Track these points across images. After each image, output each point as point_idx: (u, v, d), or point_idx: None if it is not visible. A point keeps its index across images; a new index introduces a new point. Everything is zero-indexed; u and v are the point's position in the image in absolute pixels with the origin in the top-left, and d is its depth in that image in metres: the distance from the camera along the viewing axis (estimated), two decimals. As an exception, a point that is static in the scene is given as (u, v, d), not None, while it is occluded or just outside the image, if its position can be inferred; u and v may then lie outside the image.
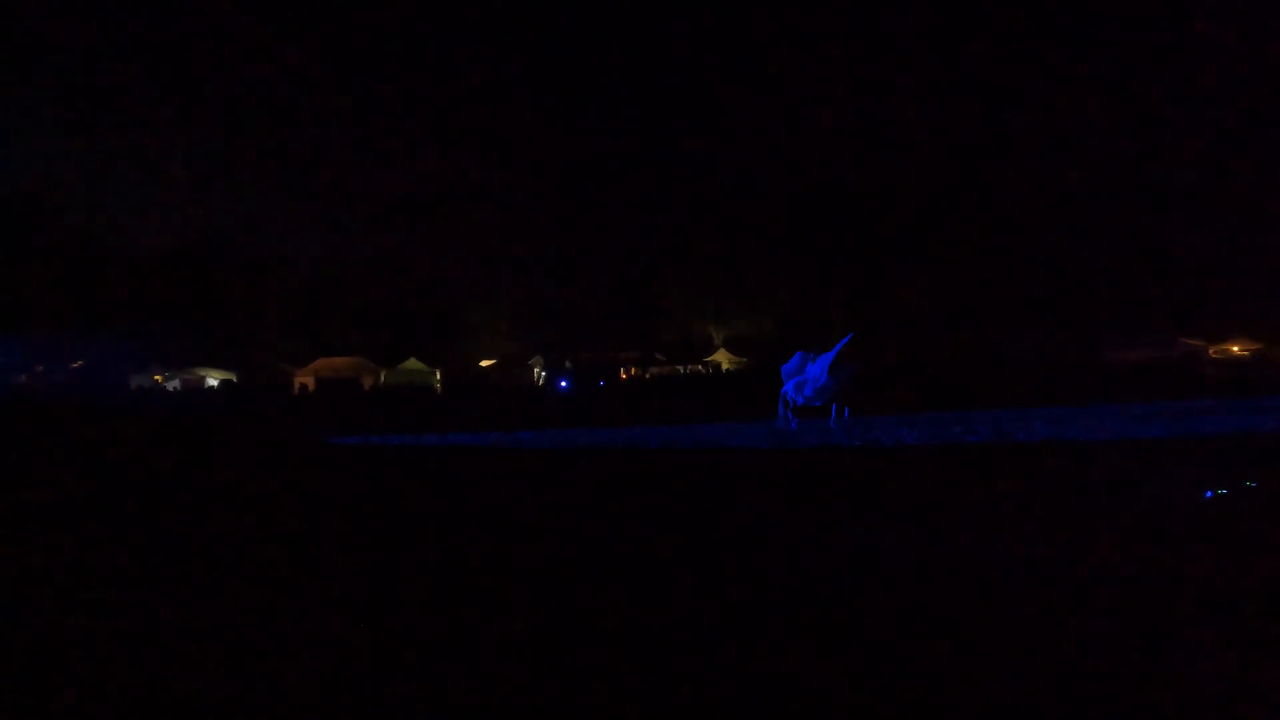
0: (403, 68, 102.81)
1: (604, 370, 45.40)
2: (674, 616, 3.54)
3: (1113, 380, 23.91)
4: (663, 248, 70.44)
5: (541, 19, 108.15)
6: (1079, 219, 56.73)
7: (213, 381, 49.61)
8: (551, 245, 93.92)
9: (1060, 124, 71.45)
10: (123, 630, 3.58)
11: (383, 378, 48.90)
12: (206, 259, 61.53)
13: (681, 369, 54.37)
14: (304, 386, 47.56)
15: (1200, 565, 4.03)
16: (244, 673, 3.05)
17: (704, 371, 53.89)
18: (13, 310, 49.06)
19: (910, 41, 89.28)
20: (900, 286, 55.69)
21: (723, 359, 57.04)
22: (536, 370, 52.68)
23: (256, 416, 22.02)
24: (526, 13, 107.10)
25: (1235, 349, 43.05)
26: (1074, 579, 3.89)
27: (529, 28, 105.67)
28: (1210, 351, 42.88)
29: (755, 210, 64.38)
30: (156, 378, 49.20)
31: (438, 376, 50.29)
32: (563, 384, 38.14)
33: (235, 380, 48.88)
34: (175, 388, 48.39)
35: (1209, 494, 5.70)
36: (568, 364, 47.99)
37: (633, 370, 52.59)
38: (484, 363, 59.45)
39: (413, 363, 51.09)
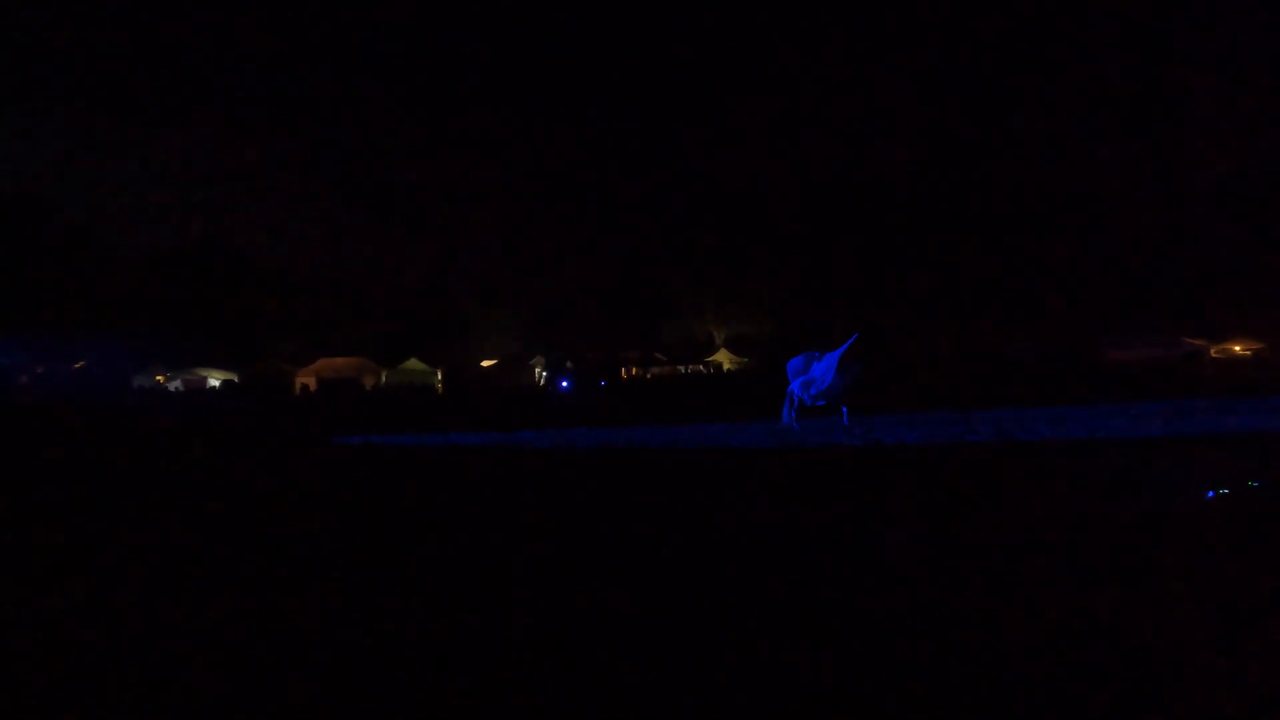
0: (404, 68, 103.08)
1: (605, 370, 45.33)
2: (675, 616, 3.54)
3: (1114, 379, 23.87)
4: (664, 248, 70.61)
5: (544, 19, 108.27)
6: (1080, 219, 56.75)
7: (214, 382, 49.71)
8: (552, 245, 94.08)
9: (1061, 124, 71.51)
10: (124, 630, 3.58)
11: (384, 378, 48.92)
12: (207, 259, 61.67)
13: (683, 369, 54.40)
14: (305, 386, 47.62)
15: (1202, 565, 4.03)
16: (245, 672, 3.05)
17: (705, 371, 53.90)
18: (13, 310, 49.10)
19: (911, 42, 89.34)
20: (901, 286, 55.69)
21: (724, 359, 57.07)
22: (538, 370, 52.66)
23: (258, 416, 22.03)
24: (529, 12, 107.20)
25: (1237, 348, 42.98)
26: (1076, 579, 3.89)
27: (531, 27, 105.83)
28: (1212, 351, 42.84)
29: (757, 210, 64.46)
30: (159, 378, 49.29)
31: (439, 376, 50.27)
32: (564, 384, 38.08)
33: (237, 380, 48.93)
34: (177, 388, 48.47)
35: (1211, 494, 5.69)
36: (569, 364, 47.93)
37: (634, 370, 52.60)
38: (485, 363, 59.45)
39: (414, 363, 51.10)
